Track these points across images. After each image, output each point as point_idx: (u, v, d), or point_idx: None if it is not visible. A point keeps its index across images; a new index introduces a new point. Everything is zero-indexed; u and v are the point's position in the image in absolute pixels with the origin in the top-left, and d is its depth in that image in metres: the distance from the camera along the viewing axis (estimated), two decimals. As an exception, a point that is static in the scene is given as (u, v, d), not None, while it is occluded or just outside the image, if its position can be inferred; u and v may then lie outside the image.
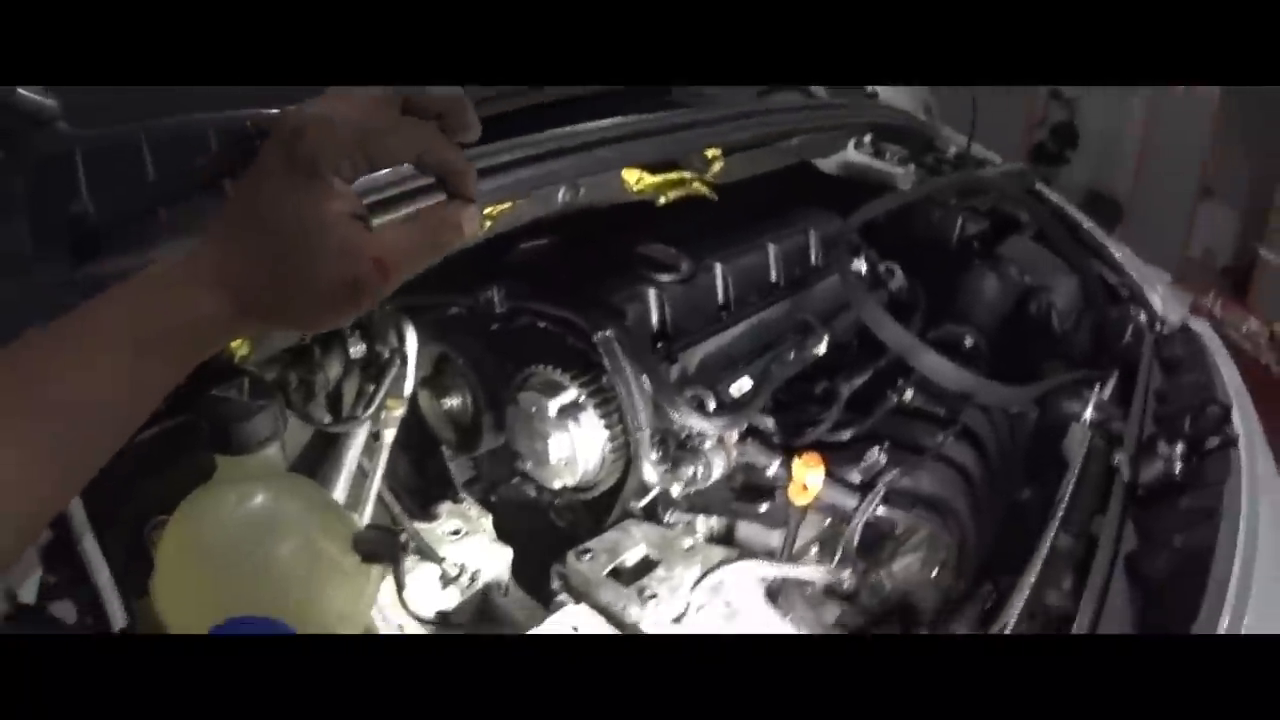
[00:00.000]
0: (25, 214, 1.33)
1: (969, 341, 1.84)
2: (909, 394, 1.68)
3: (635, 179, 1.55)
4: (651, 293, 1.57)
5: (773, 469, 1.53)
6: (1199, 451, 1.65)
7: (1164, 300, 2.06)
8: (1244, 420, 1.81)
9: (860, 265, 1.84)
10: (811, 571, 1.50)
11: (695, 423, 1.46)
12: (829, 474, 1.49)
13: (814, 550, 1.59)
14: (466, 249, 1.46)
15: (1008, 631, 1.38)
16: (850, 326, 1.80)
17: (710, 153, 1.64)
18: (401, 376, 1.43)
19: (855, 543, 1.49)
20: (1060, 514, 1.55)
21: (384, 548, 1.13)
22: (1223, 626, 1.31)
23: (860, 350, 1.79)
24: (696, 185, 1.63)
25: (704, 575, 1.44)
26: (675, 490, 1.51)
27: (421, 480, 1.78)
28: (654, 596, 1.42)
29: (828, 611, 1.60)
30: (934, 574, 1.61)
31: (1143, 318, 2.03)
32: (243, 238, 0.73)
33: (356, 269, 0.73)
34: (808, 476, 1.43)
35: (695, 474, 1.48)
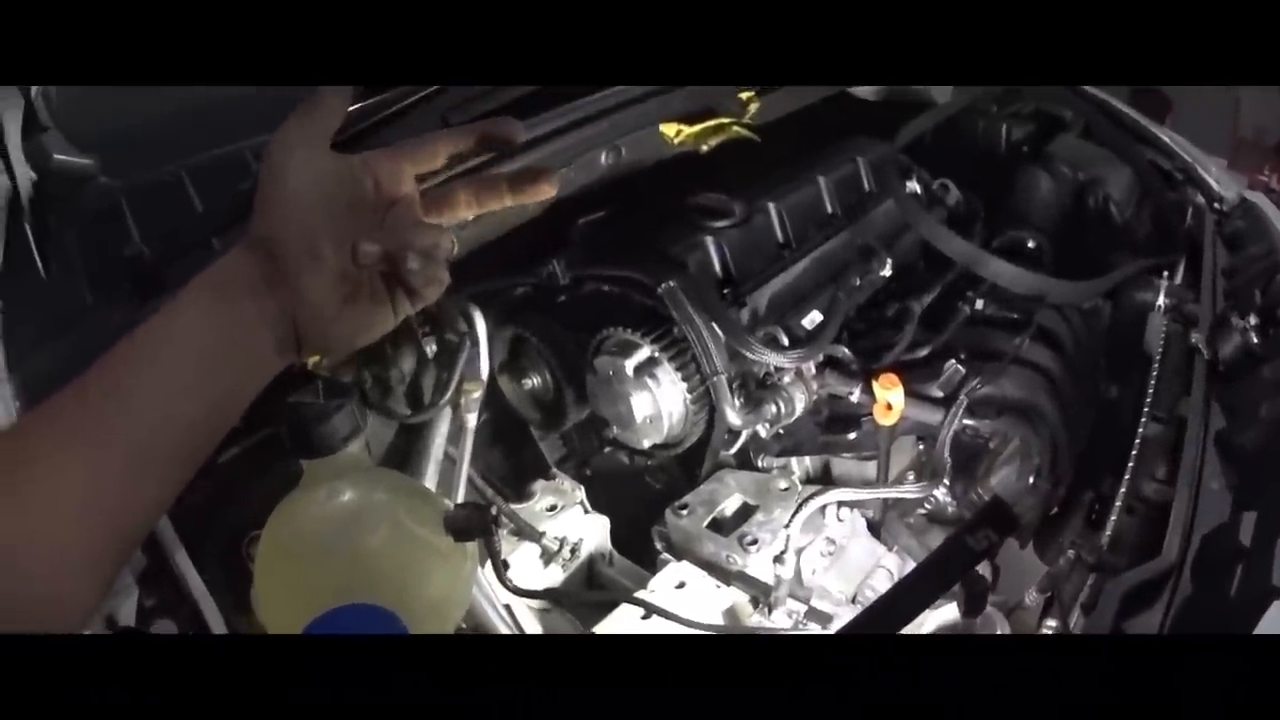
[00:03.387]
0: (81, 268, 1.30)
1: (1031, 243, 1.72)
2: (980, 303, 1.57)
3: (674, 132, 1.46)
4: (709, 240, 1.47)
5: (855, 395, 1.43)
6: (1273, 320, 1.53)
7: (1219, 179, 1.92)
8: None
9: (914, 186, 1.73)
10: (904, 490, 1.40)
11: (770, 359, 1.37)
12: (911, 391, 1.38)
13: (910, 477, 1.49)
14: (523, 226, 1.39)
15: (1108, 532, 1.27)
16: (913, 247, 1.69)
17: (744, 95, 1.53)
18: (475, 358, 1.35)
19: (946, 455, 1.39)
20: (1148, 404, 1.43)
21: (475, 523, 1.05)
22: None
23: (927, 269, 1.68)
24: (736, 129, 1.53)
25: (796, 511, 1.35)
26: (763, 431, 1.43)
27: (517, 468, 1.70)
28: (755, 541, 1.34)
29: (932, 537, 1.50)
30: (1030, 482, 1.50)
31: (1200, 199, 1.89)
32: (272, 236, 0.72)
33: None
34: (889, 396, 1.33)
35: (778, 411, 1.39)
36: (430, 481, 1.36)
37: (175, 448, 0.70)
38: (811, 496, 1.36)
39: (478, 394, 1.38)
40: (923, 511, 1.52)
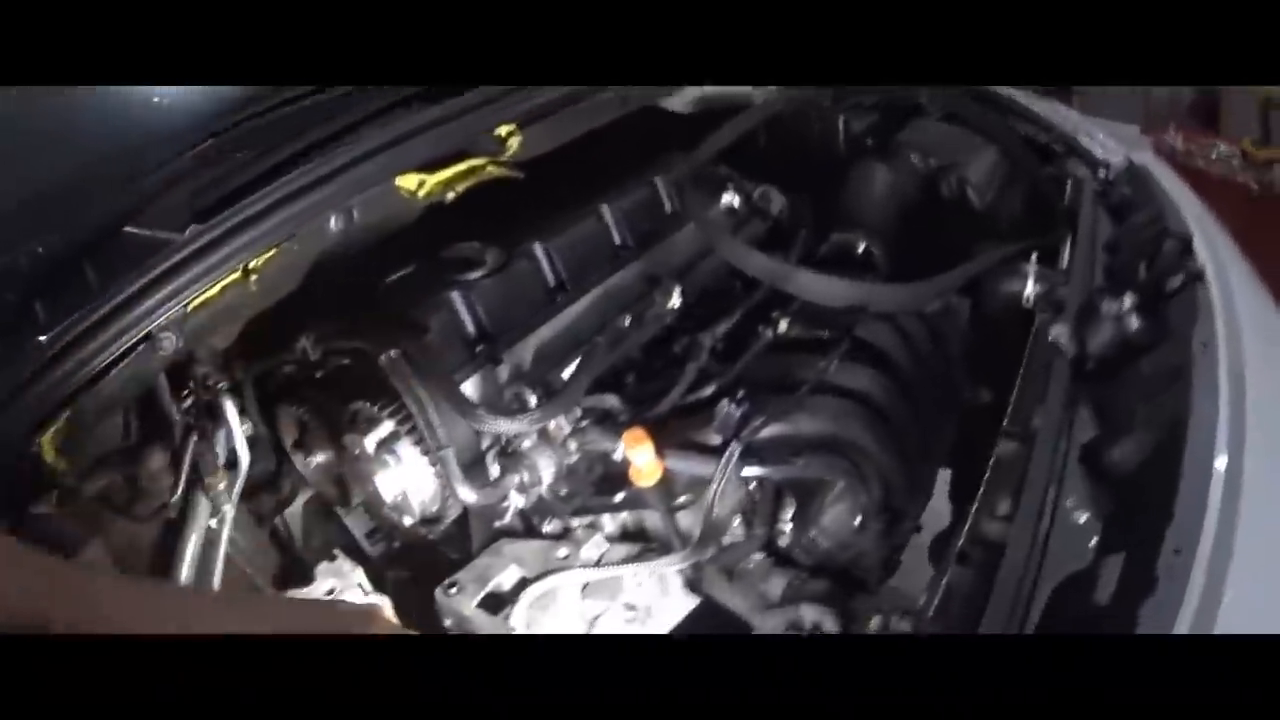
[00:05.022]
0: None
1: (862, 246, 1.51)
2: (784, 324, 1.36)
3: (415, 184, 1.29)
4: (457, 296, 1.31)
5: (619, 452, 1.24)
6: (1160, 296, 1.30)
7: (1104, 145, 1.67)
8: (1214, 250, 1.43)
9: (730, 199, 1.54)
10: (645, 566, 1.21)
11: (496, 426, 1.20)
12: (685, 441, 1.21)
13: (736, 523, 1.31)
14: (278, 306, 1.26)
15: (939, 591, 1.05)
16: (720, 270, 1.49)
17: (503, 130, 1.36)
18: (206, 451, 1.23)
19: (713, 514, 1.20)
20: (1006, 418, 1.22)
21: None
22: (1209, 527, 0.95)
23: (739, 292, 1.48)
24: (491, 169, 1.35)
25: (530, 584, 1.18)
26: (519, 500, 1.25)
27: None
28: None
29: (774, 584, 1.31)
30: (858, 520, 1.30)
31: (1082, 170, 1.64)
32: None
33: None
34: (636, 455, 1.15)
35: (522, 480, 1.22)
36: (185, 572, 1.24)
37: None
38: (545, 574, 1.19)
39: (223, 484, 1.26)
40: (760, 556, 1.35)
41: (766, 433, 1.23)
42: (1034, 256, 1.50)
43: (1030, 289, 1.47)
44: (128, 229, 1.27)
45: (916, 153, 1.62)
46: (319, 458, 1.43)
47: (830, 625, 1.26)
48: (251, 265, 1.22)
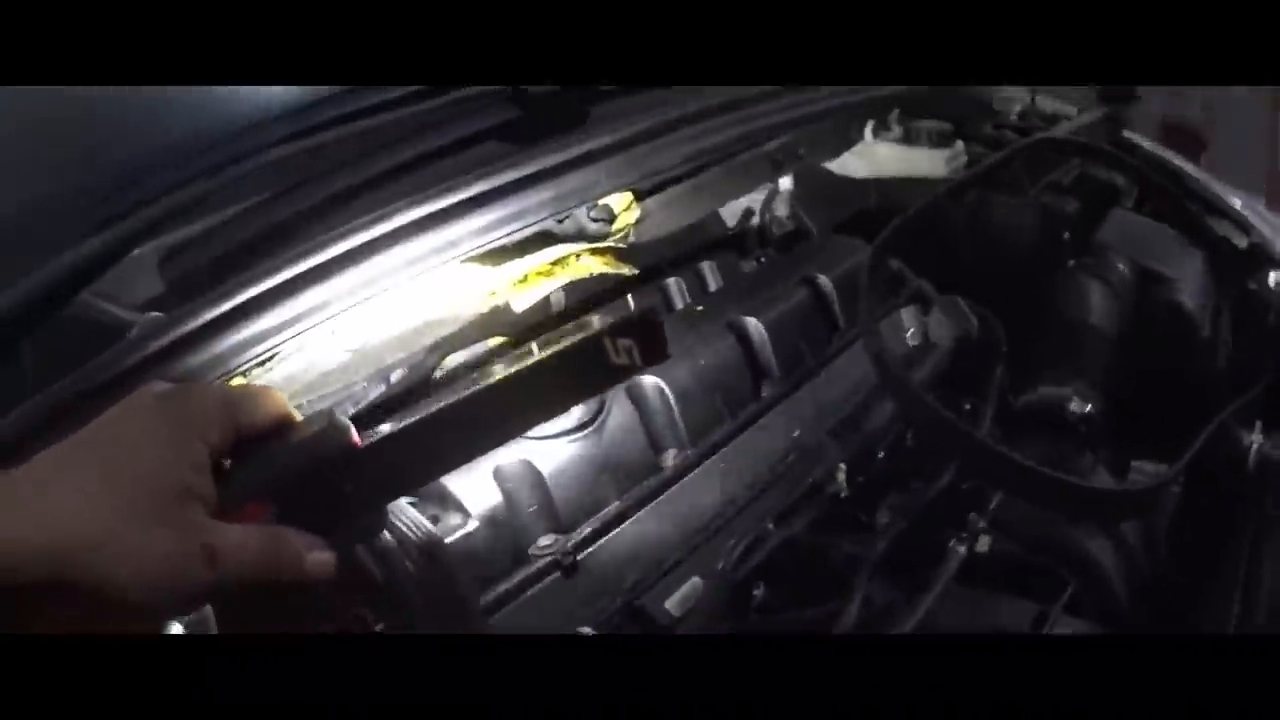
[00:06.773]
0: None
1: (1074, 407, 1.03)
2: (983, 541, 0.88)
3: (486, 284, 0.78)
4: (515, 467, 0.80)
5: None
6: None
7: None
8: None
9: (906, 323, 1.04)
10: None
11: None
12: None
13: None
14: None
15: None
16: (895, 425, 1.00)
17: (614, 201, 0.86)
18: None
19: None
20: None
21: None
22: None
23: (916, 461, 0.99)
24: (590, 263, 0.84)
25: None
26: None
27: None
28: None
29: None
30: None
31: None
32: (76, 470, 0.50)
33: (183, 545, 0.50)
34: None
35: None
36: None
37: None
38: None
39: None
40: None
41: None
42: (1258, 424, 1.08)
43: (1254, 454, 1.06)
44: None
45: (1123, 258, 1.16)
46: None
47: None
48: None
